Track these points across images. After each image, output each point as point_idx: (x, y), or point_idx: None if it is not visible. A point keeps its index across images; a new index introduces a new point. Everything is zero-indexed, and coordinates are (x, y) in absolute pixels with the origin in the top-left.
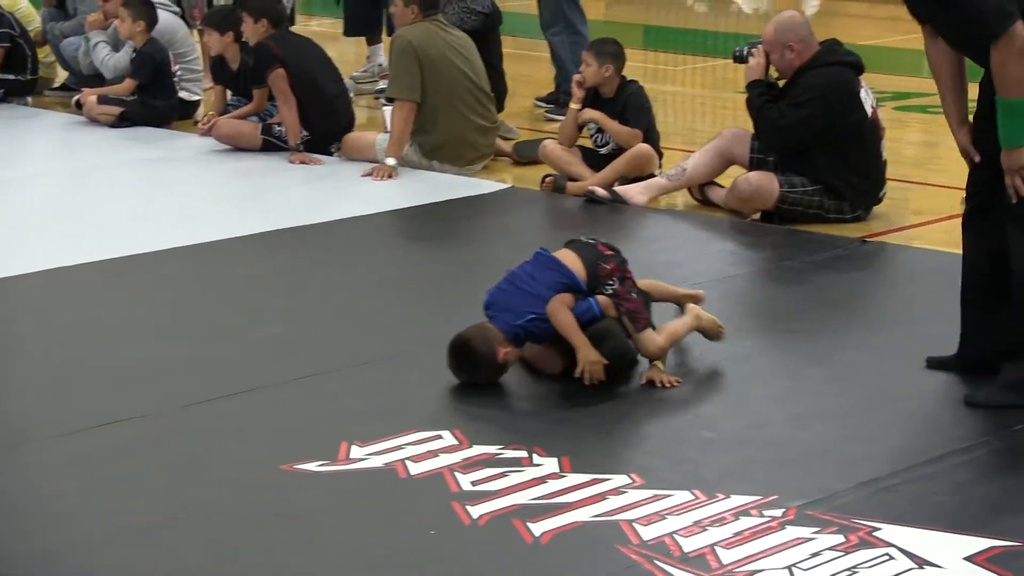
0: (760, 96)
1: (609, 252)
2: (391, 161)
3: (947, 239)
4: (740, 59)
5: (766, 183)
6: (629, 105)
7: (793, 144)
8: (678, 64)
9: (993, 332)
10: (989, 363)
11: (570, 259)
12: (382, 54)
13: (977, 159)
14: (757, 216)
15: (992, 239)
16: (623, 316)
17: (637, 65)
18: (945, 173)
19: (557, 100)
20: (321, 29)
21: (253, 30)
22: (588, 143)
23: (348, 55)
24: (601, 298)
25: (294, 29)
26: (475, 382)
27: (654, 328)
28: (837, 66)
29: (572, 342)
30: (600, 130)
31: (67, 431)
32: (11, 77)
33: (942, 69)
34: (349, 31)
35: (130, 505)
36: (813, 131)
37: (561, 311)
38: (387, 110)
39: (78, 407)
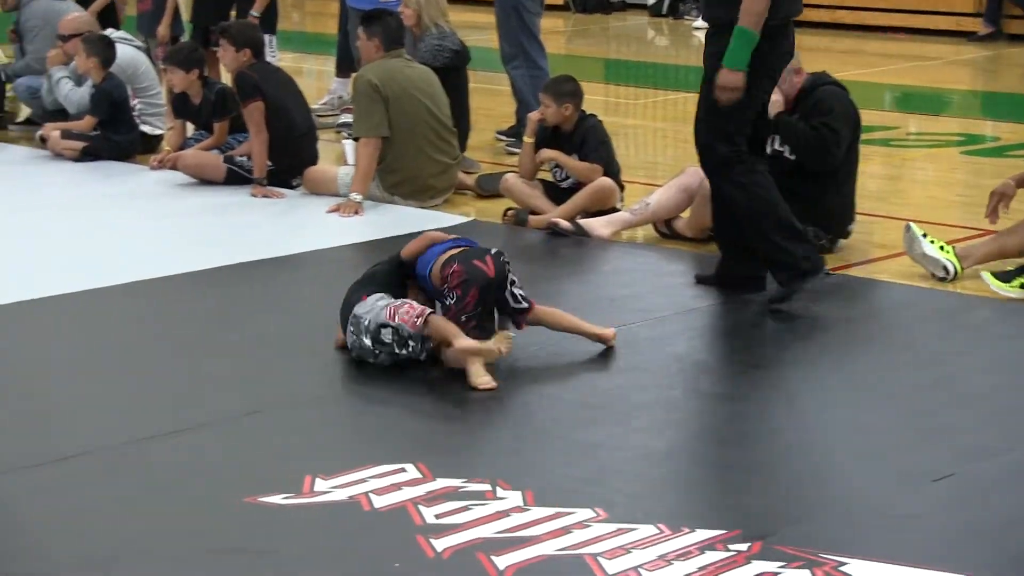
0: (798, 120)
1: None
2: (357, 197)
3: (910, 272)
4: None
5: None
6: (588, 139)
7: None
8: (639, 97)
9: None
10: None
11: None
12: (346, 87)
13: None
14: None
15: None
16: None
17: (598, 99)
18: (908, 207)
19: (518, 134)
20: (282, 64)
21: (234, 58)
22: (549, 176)
23: (309, 88)
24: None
25: None
26: None
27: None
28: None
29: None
30: (559, 166)
31: (20, 467)
32: None
33: None
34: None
35: (87, 540)
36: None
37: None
38: (348, 144)
39: (32, 443)
